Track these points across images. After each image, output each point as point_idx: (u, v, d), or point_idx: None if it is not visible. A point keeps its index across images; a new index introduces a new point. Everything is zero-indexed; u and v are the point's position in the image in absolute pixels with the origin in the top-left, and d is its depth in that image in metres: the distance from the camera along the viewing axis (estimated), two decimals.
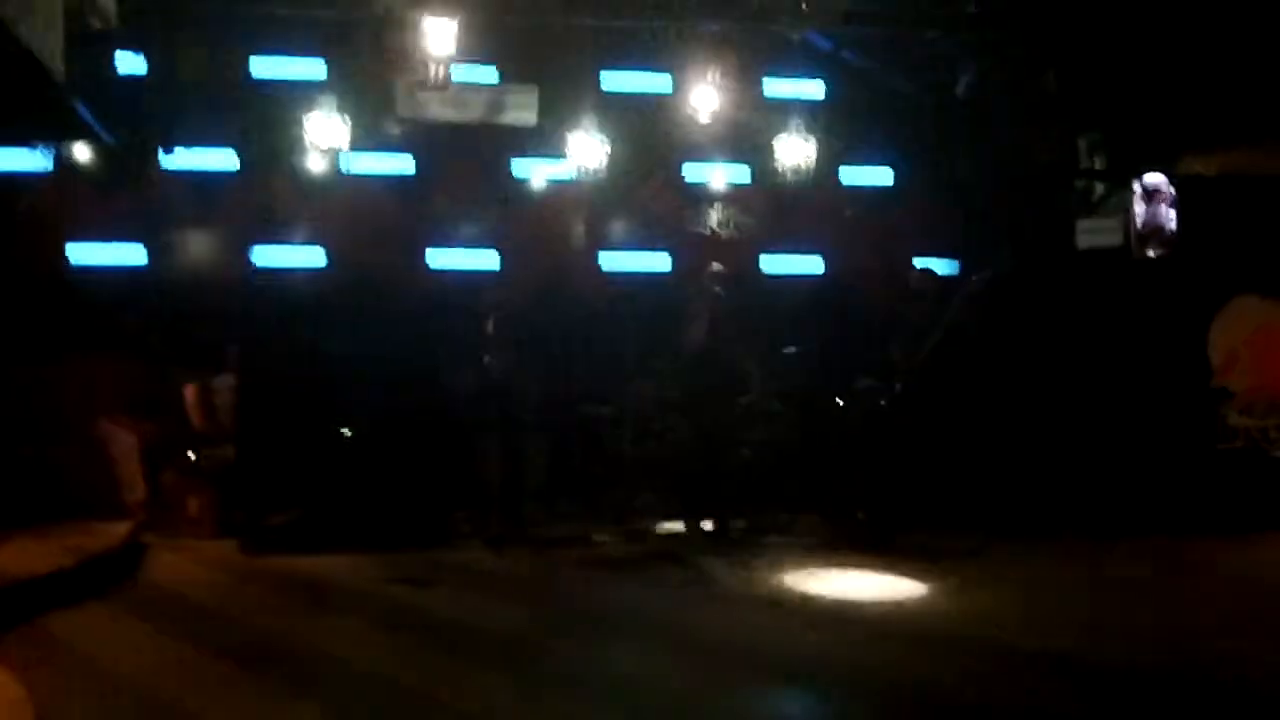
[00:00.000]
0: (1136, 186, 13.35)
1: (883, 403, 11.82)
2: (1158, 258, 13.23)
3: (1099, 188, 14.16)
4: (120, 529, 10.99)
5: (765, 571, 10.19)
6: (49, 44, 9.36)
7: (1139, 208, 13.29)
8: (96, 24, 10.65)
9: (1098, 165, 14.19)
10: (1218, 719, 6.73)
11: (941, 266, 13.36)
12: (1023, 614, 8.84)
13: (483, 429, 11.68)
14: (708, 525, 11.44)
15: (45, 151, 12.51)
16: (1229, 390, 13.16)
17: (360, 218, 13.22)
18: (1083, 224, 13.88)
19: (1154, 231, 13.24)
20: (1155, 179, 13.27)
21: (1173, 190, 13.20)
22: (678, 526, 11.48)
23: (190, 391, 11.97)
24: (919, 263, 12.70)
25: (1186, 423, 12.75)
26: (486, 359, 11.79)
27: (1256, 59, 12.26)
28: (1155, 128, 13.35)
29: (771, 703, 7.11)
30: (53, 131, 11.89)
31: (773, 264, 14.15)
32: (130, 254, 12.84)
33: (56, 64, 9.52)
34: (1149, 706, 6.82)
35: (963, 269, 13.83)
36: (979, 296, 11.52)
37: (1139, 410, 12.40)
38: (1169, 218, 13.21)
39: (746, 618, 8.85)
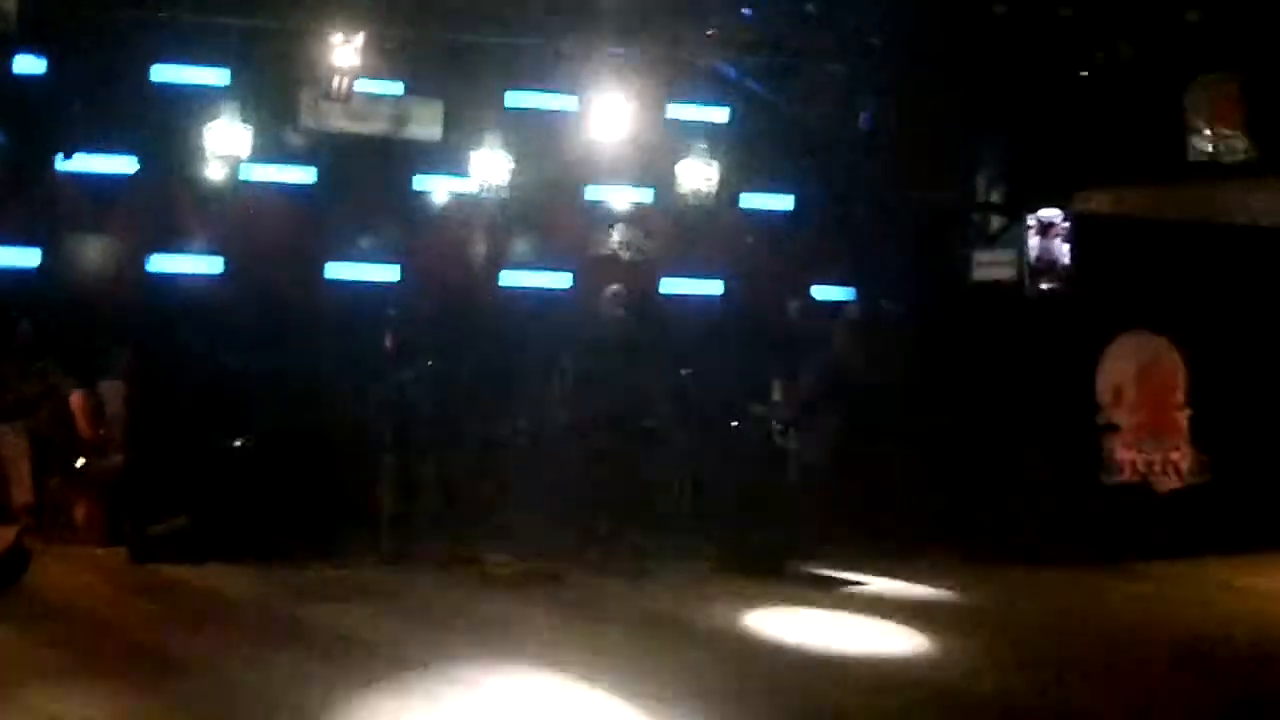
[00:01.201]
0: (1031, 220, 13.55)
1: (779, 427, 11.92)
2: (1050, 291, 13.44)
3: (995, 221, 14.35)
4: (4, 534, 10.79)
5: (649, 594, 10.24)
6: None
7: (1033, 241, 13.49)
8: None
9: (995, 199, 14.39)
10: None
11: (838, 294, 13.52)
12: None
13: (376, 445, 11.61)
14: (599, 548, 11.43)
15: None
16: (1115, 424, 13.40)
17: (260, 228, 13.10)
18: (979, 256, 14.04)
19: (1047, 265, 13.45)
20: (1050, 214, 13.49)
21: (1067, 225, 13.41)
22: (570, 548, 11.45)
23: (77, 398, 11.78)
24: (806, 293, 12.79)
25: (1072, 455, 12.97)
26: (384, 374, 11.73)
27: (1153, 101, 12.48)
28: (1052, 164, 13.56)
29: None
30: None
31: (673, 286, 14.22)
32: (23, 257, 12.63)
33: None
34: None
35: (859, 297, 13.98)
36: (855, 325, 11.65)
37: (1026, 442, 12.61)
38: (1063, 252, 13.43)
39: (617, 637, 8.89)
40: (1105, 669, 8.37)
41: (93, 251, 12.83)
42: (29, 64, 12.01)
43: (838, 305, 13.74)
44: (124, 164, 12.85)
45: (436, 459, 12.28)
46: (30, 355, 11.88)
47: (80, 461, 11.61)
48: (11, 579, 9.92)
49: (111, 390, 11.96)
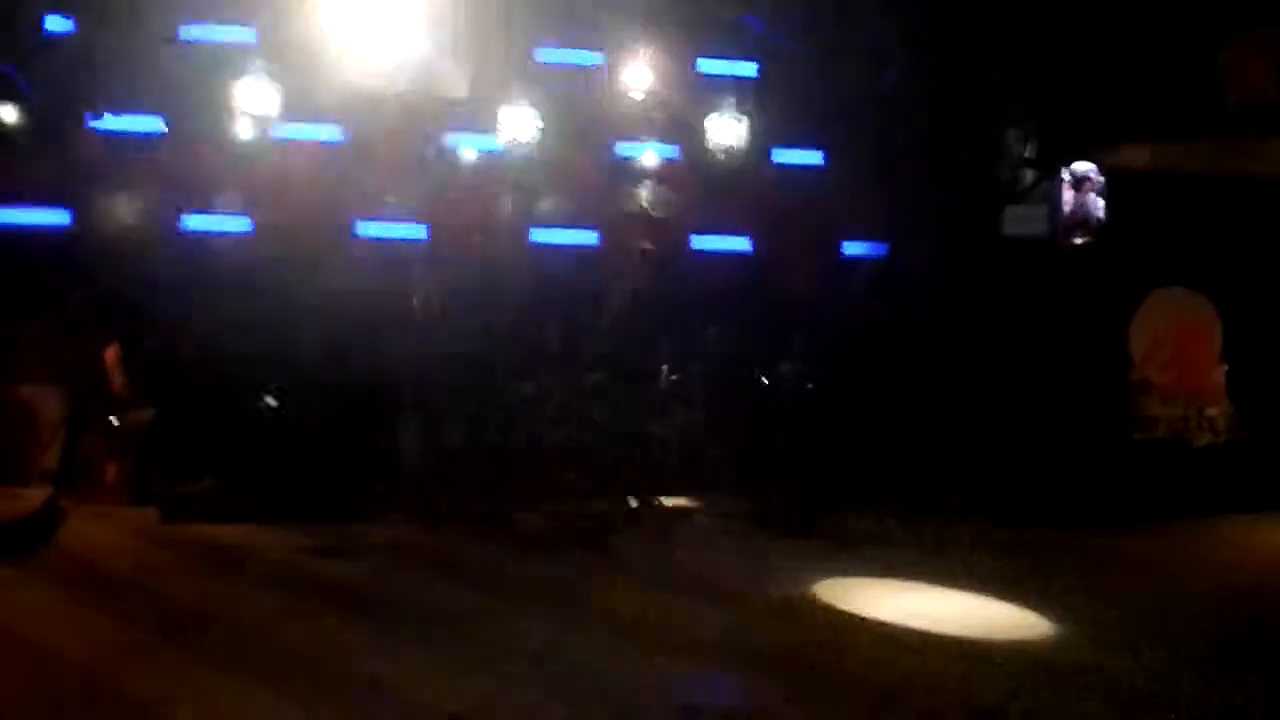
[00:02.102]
0: (1065, 175, 13.43)
1: (809, 385, 11.88)
2: (1083, 246, 13.33)
3: (1028, 175, 14.23)
4: (37, 494, 10.90)
5: (679, 551, 10.23)
6: None
7: (1066, 195, 13.38)
8: None
9: (1027, 153, 14.26)
10: None
11: (869, 250, 13.43)
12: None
13: (404, 403, 11.64)
14: (628, 505, 11.43)
15: None
16: (1150, 381, 13.31)
17: (288, 186, 13.11)
18: (1010, 211, 13.93)
19: (1080, 220, 13.33)
20: (1084, 167, 13.36)
21: (1101, 179, 13.29)
22: (598, 506, 11.45)
23: (111, 354, 11.85)
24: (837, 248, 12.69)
25: (1106, 412, 12.89)
26: (413, 332, 11.76)
27: (1189, 56, 12.35)
28: (1086, 118, 13.43)
29: (676, 675, 7.18)
30: None
31: (702, 243, 14.15)
32: (53, 216, 12.68)
33: None
34: None
35: (890, 253, 13.90)
36: (879, 280, 11.56)
37: (1059, 398, 12.53)
38: (1096, 206, 13.31)
39: (656, 596, 8.87)
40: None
41: (122, 210, 12.85)
42: (57, 23, 12.03)
43: (869, 260, 13.61)
44: (153, 123, 12.85)
45: (466, 417, 12.32)
46: (77, 324, 11.97)
47: (113, 420, 11.66)
48: (45, 538, 10.02)
49: (143, 347, 12.00)
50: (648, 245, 12.20)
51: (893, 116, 13.76)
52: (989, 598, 9.01)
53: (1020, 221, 13.88)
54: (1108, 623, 8.42)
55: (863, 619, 8.33)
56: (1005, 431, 12.26)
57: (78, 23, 12.26)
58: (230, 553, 9.93)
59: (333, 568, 9.50)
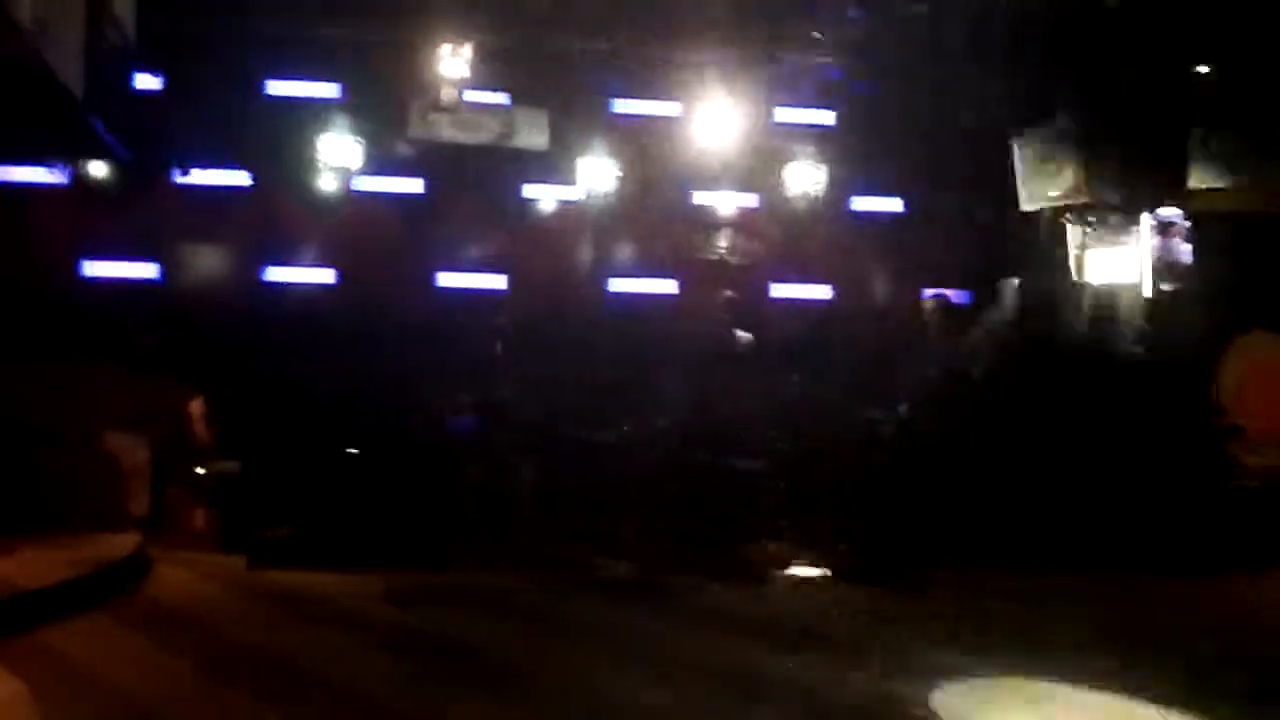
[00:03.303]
0: (1150, 220, 13.34)
1: (887, 431, 11.79)
2: (1170, 292, 13.21)
3: (1112, 221, 14.14)
4: (125, 541, 11.01)
5: (762, 601, 10.17)
6: (68, 61, 9.48)
7: (1153, 241, 13.28)
8: (115, 41, 10.78)
9: (1112, 199, 14.17)
10: None
11: (951, 297, 13.37)
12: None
13: (483, 450, 11.70)
14: (712, 552, 11.38)
15: (61, 166, 12.64)
16: (1240, 427, 13.10)
17: (369, 237, 13.34)
18: (1097, 256, 13.84)
19: (1167, 265, 13.22)
20: (1169, 213, 13.26)
21: (1187, 224, 13.19)
22: (678, 553, 11.40)
23: (195, 406, 12.02)
24: (930, 292, 12.61)
25: (1197, 459, 12.68)
26: (492, 381, 11.84)
27: (1271, 100, 12.26)
28: (1170, 162, 13.33)
29: None
30: (69, 147, 12.02)
31: (781, 291, 14.18)
32: (141, 269, 12.95)
33: (75, 81, 9.64)
34: None
35: (972, 300, 13.83)
36: (996, 330, 11.46)
37: (1149, 445, 12.34)
38: (1182, 252, 13.19)
39: (746, 646, 8.82)
40: None
41: (208, 262, 13.11)
42: (147, 80, 12.32)
43: (964, 307, 13.52)
44: (238, 177, 13.12)
45: (543, 464, 12.37)
46: (154, 367, 12.16)
47: (198, 469, 11.81)
48: (132, 584, 10.13)
49: (228, 398, 12.16)
50: (729, 293, 12.18)
51: (973, 163, 13.73)
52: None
53: (1107, 267, 13.77)
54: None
55: None
56: (1097, 480, 12.08)
57: (166, 80, 12.56)
58: (311, 598, 9.96)
59: (410, 614, 9.52)
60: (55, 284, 12.71)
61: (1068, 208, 14.04)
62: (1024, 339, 12.55)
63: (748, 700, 7.44)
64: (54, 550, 10.25)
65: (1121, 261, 13.67)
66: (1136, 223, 13.58)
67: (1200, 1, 12.20)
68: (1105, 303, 13.52)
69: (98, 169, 12.71)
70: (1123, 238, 13.80)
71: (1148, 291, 13.34)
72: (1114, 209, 14.02)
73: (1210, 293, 13.01)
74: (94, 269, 12.91)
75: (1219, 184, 13.32)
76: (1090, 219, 14.19)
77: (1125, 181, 13.84)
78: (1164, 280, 13.24)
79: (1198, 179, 13.30)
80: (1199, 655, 8.59)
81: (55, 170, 12.70)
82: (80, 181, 12.76)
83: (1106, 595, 10.56)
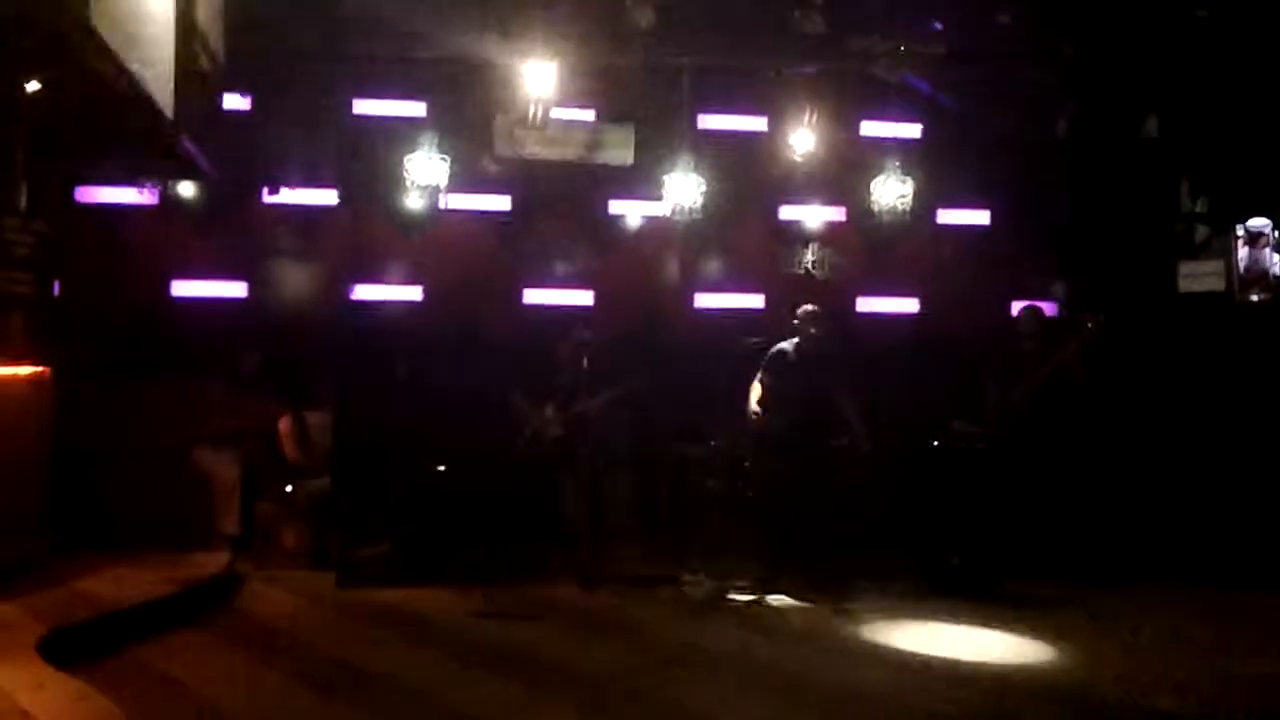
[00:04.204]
0: (1239, 230, 13.21)
1: (980, 445, 11.67)
2: (1260, 302, 13.05)
3: (1200, 230, 14.00)
4: (217, 558, 11.11)
5: (854, 618, 10.07)
6: (160, 83, 9.58)
7: (1242, 252, 13.14)
8: (205, 63, 10.89)
9: (1199, 208, 14.03)
10: None
11: (1043, 308, 13.23)
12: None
13: (571, 466, 11.69)
14: (798, 568, 11.30)
15: (151, 188, 12.78)
16: None
17: (457, 255, 13.42)
18: (1184, 267, 13.70)
19: (1257, 276, 13.08)
20: (1258, 223, 13.13)
21: (1276, 234, 13.04)
22: (768, 569, 11.33)
23: (285, 423, 12.09)
24: (1023, 303, 12.47)
25: None
26: (579, 396, 11.83)
27: None
28: (1259, 171, 13.19)
29: None
30: (161, 168, 12.16)
31: (869, 305, 14.12)
32: (230, 288, 13.07)
33: (167, 102, 9.74)
34: None
35: (1061, 311, 13.70)
36: (1093, 341, 11.32)
37: (1240, 456, 12.19)
38: (1272, 262, 13.05)
39: (831, 661, 8.74)
40: None
41: (297, 281, 13.20)
42: (235, 101, 12.44)
43: (1057, 319, 13.37)
44: (326, 196, 13.21)
45: (632, 479, 12.36)
46: (249, 384, 12.27)
47: (288, 487, 11.88)
48: (223, 602, 10.21)
49: (317, 416, 12.24)
50: (813, 307, 12.07)
51: (1060, 173, 13.63)
52: None
53: (1195, 278, 13.63)
54: None
55: None
56: (1184, 492, 11.93)
57: (254, 99, 12.68)
58: (402, 615, 9.99)
59: (503, 630, 9.51)
60: (146, 303, 12.83)
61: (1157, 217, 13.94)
62: (1116, 350, 12.37)
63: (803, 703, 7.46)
64: (145, 568, 10.38)
65: (1210, 272, 13.53)
66: (1226, 232, 13.44)
67: None
68: (1196, 313, 13.36)
69: (187, 189, 12.83)
70: (1212, 248, 13.69)
71: (1237, 302, 13.22)
72: (1202, 218, 13.90)
73: None
74: (183, 288, 13.01)
75: None
76: (1179, 229, 14.09)
77: (1214, 191, 13.75)
78: (1253, 290, 13.09)
79: None
80: None
81: (145, 191, 12.83)
82: (170, 201, 12.88)
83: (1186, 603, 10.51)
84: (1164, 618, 10.02)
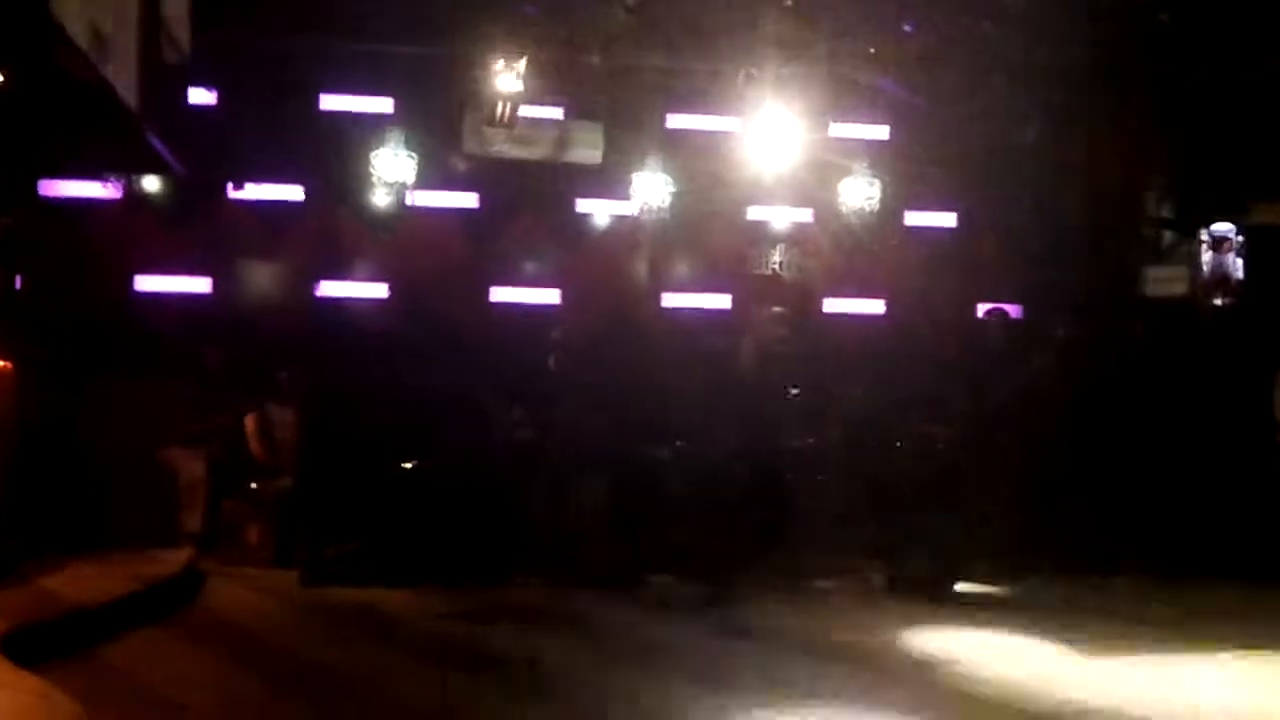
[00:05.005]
0: (1204, 235, 13.28)
1: (940, 446, 11.72)
2: (1224, 307, 13.14)
3: (1166, 236, 14.08)
4: (180, 556, 11.05)
5: (821, 618, 10.08)
6: (123, 76, 9.48)
7: (1206, 256, 13.22)
8: (170, 56, 10.79)
9: (1165, 214, 14.11)
10: None
11: (1008, 310, 13.30)
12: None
13: (540, 467, 11.68)
14: (763, 570, 11.32)
15: (115, 182, 12.67)
16: None
17: (424, 252, 13.36)
18: (1150, 272, 13.79)
19: (1220, 281, 13.17)
20: (1223, 228, 13.21)
21: (1240, 239, 13.12)
22: (733, 569, 11.33)
23: (250, 421, 12.03)
24: (988, 306, 12.51)
25: (1250, 474, 12.61)
26: (547, 396, 11.82)
27: None
28: (1224, 177, 13.27)
29: None
30: (125, 162, 12.05)
31: (835, 305, 14.14)
32: (196, 284, 12.99)
33: (130, 96, 9.65)
34: None
35: (1027, 315, 13.75)
36: (1065, 346, 11.38)
37: (1202, 460, 12.29)
38: (1236, 267, 13.13)
39: (792, 661, 8.73)
40: None
41: (263, 278, 13.14)
42: (202, 96, 12.35)
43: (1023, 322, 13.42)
44: (292, 192, 13.14)
45: (599, 480, 12.34)
46: (215, 382, 12.20)
47: (253, 484, 11.82)
48: (187, 600, 10.14)
49: (282, 414, 12.17)
50: (780, 309, 12.10)
51: (1027, 177, 13.67)
52: None
53: (1160, 282, 13.72)
54: None
55: None
56: (1146, 492, 12.04)
57: (221, 94, 12.60)
58: (366, 615, 9.94)
59: (468, 632, 9.48)
60: (110, 299, 12.73)
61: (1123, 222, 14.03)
62: (1080, 353, 12.46)
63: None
64: (111, 567, 10.30)
65: (1175, 277, 13.63)
66: (1191, 238, 13.52)
67: (1259, 12, 12.08)
68: (1160, 317, 13.46)
69: (152, 184, 12.74)
70: (1177, 253, 13.78)
71: (1201, 306, 13.31)
72: (1167, 223, 13.99)
73: (1265, 307, 12.94)
74: (148, 284, 12.91)
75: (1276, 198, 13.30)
76: (1145, 233, 14.17)
77: (1179, 196, 13.83)
78: (1217, 295, 13.18)
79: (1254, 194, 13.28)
80: None
81: (110, 185, 12.72)
82: (135, 196, 12.78)
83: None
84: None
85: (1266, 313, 12.96)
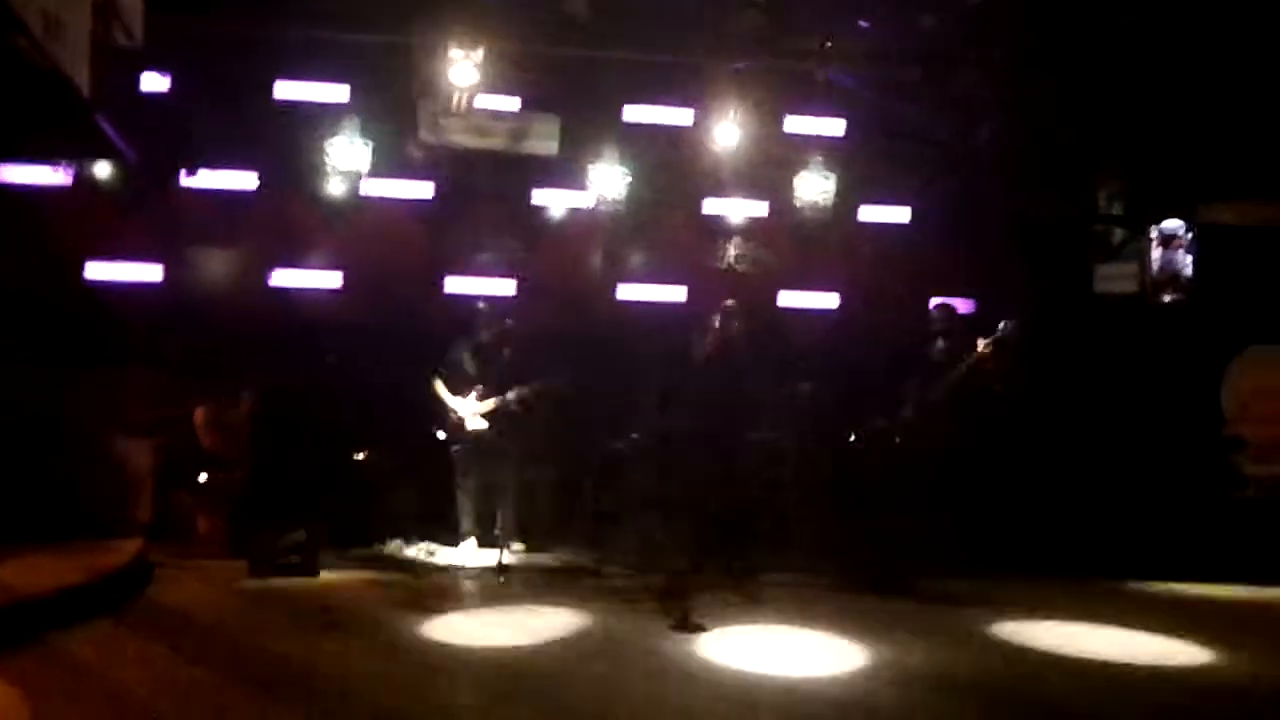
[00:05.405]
0: (1154, 232, 13.37)
1: (896, 439, 11.77)
2: (1173, 304, 13.25)
3: (1117, 233, 14.16)
4: (130, 546, 10.95)
5: (768, 611, 10.11)
6: (75, 60, 9.39)
7: (1156, 253, 13.31)
8: (123, 41, 10.69)
9: (1116, 211, 14.19)
10: None
11: (957, 305, 13.35)
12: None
13: (493, 455, 11.68)
14: (716, 562, 11.34)
15: (66, 167, 12.55)
16: (1243, 439, 13.16)
17: (378, 241, 13.29)
18: (1100, 269, 13.87)
19: (1170, 278, 13.26)
20: (1172, 225, 13.30)
21: (1190, 237, 13.22)
22: (687, 562, 11.35)
23: (200, 413, 11.96)
24: (937, 299, 12.57)
25: (1199, 469, 12.76)
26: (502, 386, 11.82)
27: (1276, 111, 12.29)
28: (1174, 175, 13.36)
29: None
30: (75, 148, 11.92)
31: (790, 300, 14.15)
32: (147, 271, 12.87)
33: (82, 80, 9.55)
34: None
35: (979, 310, 13.81)
36: (1009, 342, 11.43)
37: (1151, 456, 12.42)
38: (1185, 264, 13.24)
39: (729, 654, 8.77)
40: None
41: (215, 265, 13.04)
42: (154, 81, 12.24)
43: (971, 316, 13.48)
44: (246, 179, 13.04)
45: (555, 471, 12.36)
46: (166, 371, 12.11)
47: (203, 475, 11.76)
48: (136, 591, 10.08)
49: (233, 404, 12.11)
50: (732, 302, 12.10)
51: (981, 173, 13.72)
52: None
53: (1110, 279, 13.81)
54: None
55: None
56: (1096, 488, 12.15)
57: (174, 79, 12.48)
58: (310, 604, 9.93)
59: (418, 620, 9.48)
60: (60, 286, 12.60)
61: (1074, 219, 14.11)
62: (1030, 348, 12.52)
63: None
64: (57, 556, 10.20)
65: (1125, 274, 13.71)
66: (1141, 234, 13.60)
67: (1208, 13, 12.16)
68: (1110, 314, 13.55)
69: (103, 169, 12.62)
70: (1127, 250, 13.86)
71: (1150, 304, 13.40)
72: (1117, 221, 14.06)
73: (1214, 305, 13.05)
74: (99, 271, 12.79)
75: (1226, 198, 13.41)
76: (1095, 230, 14.25)
77: (1129, 193, 13.91)
78: (1166, 292, 13.27)
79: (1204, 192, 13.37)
80: None
81: (61, 170, 12.60)
82: (86, 182, 12.66)
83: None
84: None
85: (1216, 310, 13.07)
